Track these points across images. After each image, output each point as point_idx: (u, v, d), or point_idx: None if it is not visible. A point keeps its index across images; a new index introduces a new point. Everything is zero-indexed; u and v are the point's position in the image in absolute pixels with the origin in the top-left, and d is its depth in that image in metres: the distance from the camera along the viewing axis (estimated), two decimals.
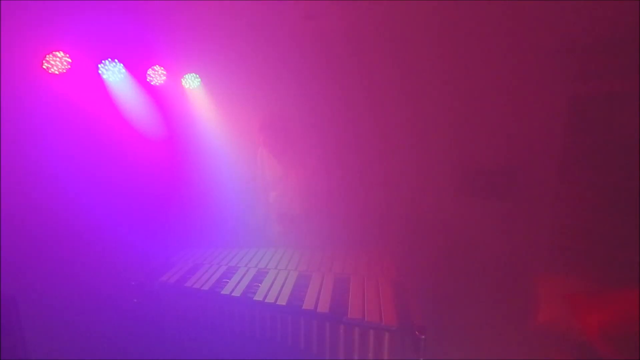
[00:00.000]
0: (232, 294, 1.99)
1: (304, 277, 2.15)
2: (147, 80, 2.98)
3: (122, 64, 2.77)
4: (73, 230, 2.66)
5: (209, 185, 3.26)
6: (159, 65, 2.99)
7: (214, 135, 3.30)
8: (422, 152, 3.07)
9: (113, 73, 2.76)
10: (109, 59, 2.72)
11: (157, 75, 3.00)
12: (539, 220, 2.80)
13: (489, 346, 2.45)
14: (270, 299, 1.93)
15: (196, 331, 2.13)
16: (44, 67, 2.47)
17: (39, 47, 2.44)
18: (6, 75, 2.29)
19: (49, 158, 2.53)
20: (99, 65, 2.70)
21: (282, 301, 1.91)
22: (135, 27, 2.74)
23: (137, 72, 2.90)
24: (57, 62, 2.51)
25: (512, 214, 2.90)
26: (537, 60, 2.63)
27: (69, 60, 2.55)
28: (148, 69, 2.96)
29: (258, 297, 1.95)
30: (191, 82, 3.17)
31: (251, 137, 2.98)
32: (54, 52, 2.48)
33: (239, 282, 2.10)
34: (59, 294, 2.58)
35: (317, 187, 2.67)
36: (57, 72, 2.51)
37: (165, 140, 3.16)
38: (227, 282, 2.12)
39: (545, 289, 2.43)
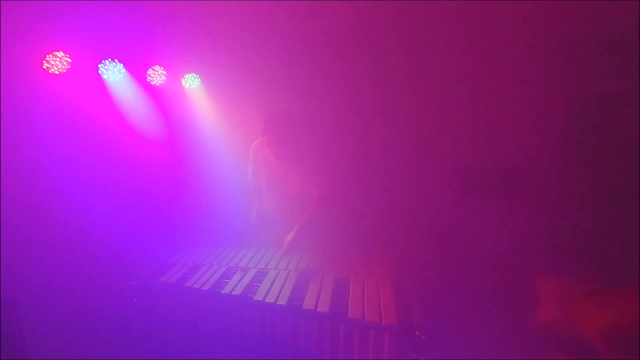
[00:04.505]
0: (232, 294, 1.99)
1: (304, 277, 2.15)
2: (147, 80, 2.98)
3: (122, 64, 2.77)
4: (73, 231, 2.66)
5: (209, 185, 3.26)
6: (159, 65, 2.99)
7: (214, 135, 3.30)
8: (422, 152, 3.07)
9: (113, 73, 2.76)
10: (109, 59, 2.72)
11: (157, 75, 3.00)
12: (538, 220, 2.80)
13: (488, 346, 2.45)
14: (270, 299, 1.93)
15: (196, 331, 2.12)
16: (44, 67, 2.47)
17: (39, 47, 2.44)
18: (6, 75, 2.29)
19: (49, 158, 2.53)
20: (99, 65, 2.70)
21: (282, 301, 1.91)
22: (135, 27, 2.74)
23: (137, 72, 2.90)
24: (57, 62, 2.51)
25: (512, 214, 2.90)
26: (537, 60, 2.63)
27: (69, 60, 2.55)
28: (148, 69, 2.96)
29: (258, 297, 1.95)
30: (191, 82, 3.17)
31: (251, 137, 2.97)
32: (54, 52, 2.49)
33: (239, 282, 2.10)
34: (59, 294, 2.58)
35: (316, 187, 2.66)
36: (57, 72, 2.51)
37: (165, 140, 3.16)
38: (227, 282, 2.12)
39: (544, 289, 2.43)
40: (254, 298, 1.95)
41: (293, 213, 2.60)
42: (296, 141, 2.55)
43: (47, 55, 2.47)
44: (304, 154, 2.59)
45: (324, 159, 2.73)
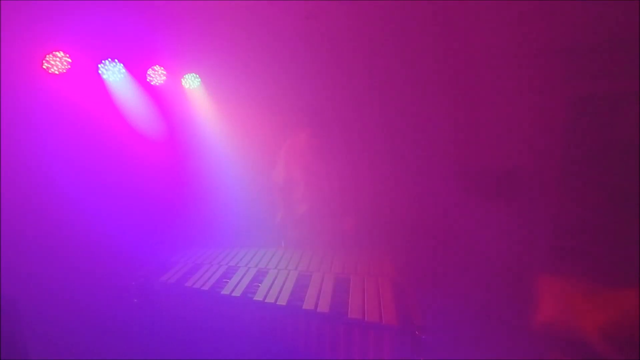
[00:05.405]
0: (232, 294, 1.99)
1: (304, 277, 2.15)
2: (147, 80, 2.98)
3: (122, 64, 2.77)
4: (73, 231, 2.66)
5: (208, 185, 3.26)
6: (159, 65, 2.99)
7: (214, 135, 3.30)
8: (423, 152, 3.07)
9: (113, 73, 2.76)
10: (109, 59, 2.72)
11: (157, 75, 3.00)
12: (539, 220, 2.80)
13: (488, 346, 2.45)
14: (270, 299, 1.93)
15: (196, 331, 2.12)
16: (44, 67, 2.47)
17: (39, 47, 2.44)
18: (6, 75, 2.29)
19: (49, 158, 2.53)
20: (99, 65, 2.70)
21: (282, 301, 1.91)
22: (135, 27, 2.74)
23: (137, 72, 2.90)
24: (57, 62, 2.51)
25: (512, 214, 2.90)
26: (537, 60, 2.63)
27: (69, 60, 2.55)
28: (148, 69, 2.96)
29: (258, 297, 1.95)
30: (191, 82, 3.17)
31: (251, 137, 2.98)
32: (54, 52, 2.49)
33: (239, 282, 2.10)
34: (59, 294, 2.58)
35: (318, 188, 2.66)
36: (57, 72, 2.51)
37: (165, 140, 3.16)
38: (227, 282, 2.12)
39: (545, 289, 2.43)
40: (254, 298, 1.95)
41: (330, 207, 2.60)
42: (314, 145, 2.56)
43: (47, 55, 2.47)
44: (306, 156, 2.60)
45: (325, 160, 2.73)
